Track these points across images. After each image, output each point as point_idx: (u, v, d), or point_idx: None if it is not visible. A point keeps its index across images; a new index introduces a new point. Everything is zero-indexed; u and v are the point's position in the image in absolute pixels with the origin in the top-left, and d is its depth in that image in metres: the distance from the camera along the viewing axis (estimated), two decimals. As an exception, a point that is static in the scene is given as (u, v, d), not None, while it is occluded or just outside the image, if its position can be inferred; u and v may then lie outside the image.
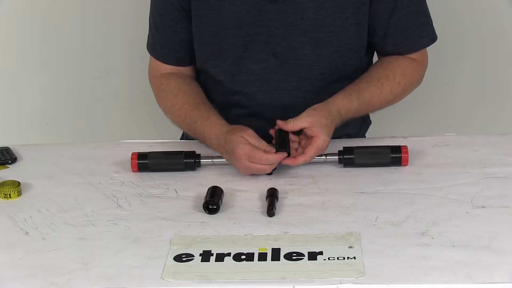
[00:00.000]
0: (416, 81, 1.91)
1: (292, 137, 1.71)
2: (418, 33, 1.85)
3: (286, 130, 1.70)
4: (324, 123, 1.68)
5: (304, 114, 1.70)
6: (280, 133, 1.71)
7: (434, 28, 1.89)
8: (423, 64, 1.91)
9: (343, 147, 1.72)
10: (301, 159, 1.66)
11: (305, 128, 1.69)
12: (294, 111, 1.84)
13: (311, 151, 1.66)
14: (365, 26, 1.82)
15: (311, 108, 1.72)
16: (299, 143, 1.71)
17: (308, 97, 1.85)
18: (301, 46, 1.81)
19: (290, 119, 1.70)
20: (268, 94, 1.86)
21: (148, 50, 1.95)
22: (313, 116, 1.69)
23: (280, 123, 1.70)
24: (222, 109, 1.88)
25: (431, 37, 1.88)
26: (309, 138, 1.69)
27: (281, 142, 1.68)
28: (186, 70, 1.94)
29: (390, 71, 1.84)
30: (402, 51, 1.87)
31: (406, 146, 1.71)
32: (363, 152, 1.71)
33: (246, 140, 1.66)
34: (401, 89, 1.85)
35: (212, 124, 1.76)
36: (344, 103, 1.76)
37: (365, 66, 1.91)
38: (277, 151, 1.66)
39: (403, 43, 1.85)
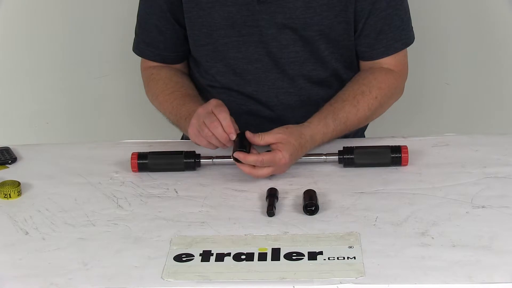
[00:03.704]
0: (395, 93, 1.87)
1: (253, 150, 1.65)
2: (392, 36, 1.84)
3: (253, 143, 1.64)
4: (292, 143, 1.64)
5: (274, 130, 1.65)
6: (241, 138, 1.65)
7: (411, 31, 1.87)
8: (402, 75, 1.89)
9: (343, 147, 1.72)
10: (252, 157, 1.61)
11: (271, 144, 1.64)
12: (290, 109, 1.85)
13: (266, 156, 1.61)
14: (352, 25, 1.82)
15: (284, 126, 1.67)
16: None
17: (304, 94, 1.86)
18: (292, 44, 1.82)
19: (259, 133, 1.64)
20: (264, 93, 1.87)
21: (133, 50, 1.97)
22: (283, 133, 1.65)
23: (249, 135, 1.64)
24: None
25: (404, 42, 1.86)
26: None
27: (241, 145, 1.63)
28: (175, 66, 1.95)
29: (365, 87, 1.81)
30: (375, 55, 1.86)
31: (406, 146, 1.71)
32: (363, 152, 1.71)
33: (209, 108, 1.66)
34: (378, 104, 1.82)
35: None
36: (319, 128, 1.72)
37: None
38: (234, 151, 1.62)
39: (376, 46, 1.85)
